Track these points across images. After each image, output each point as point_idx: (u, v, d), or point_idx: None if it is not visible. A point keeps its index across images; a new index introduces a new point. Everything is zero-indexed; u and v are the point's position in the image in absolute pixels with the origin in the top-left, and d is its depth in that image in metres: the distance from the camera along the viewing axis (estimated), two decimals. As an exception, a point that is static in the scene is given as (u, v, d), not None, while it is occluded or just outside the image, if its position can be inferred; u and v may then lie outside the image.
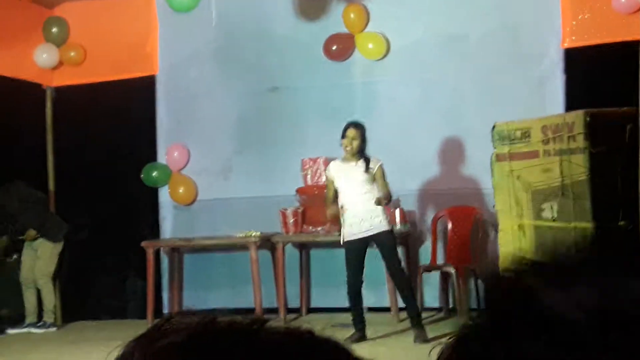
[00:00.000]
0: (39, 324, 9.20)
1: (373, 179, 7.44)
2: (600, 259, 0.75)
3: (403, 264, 8.77)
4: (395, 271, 7.41)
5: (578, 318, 0.69)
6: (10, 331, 9.15)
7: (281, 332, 0.73)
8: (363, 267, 7.41)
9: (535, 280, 0.74)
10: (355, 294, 7.37)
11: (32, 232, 9.13)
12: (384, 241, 7.34)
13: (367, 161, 7.39)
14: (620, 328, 0.68)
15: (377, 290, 8.57)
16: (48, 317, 9.24)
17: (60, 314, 9.52)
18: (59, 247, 9.24)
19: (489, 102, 8.70)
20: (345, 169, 7.45)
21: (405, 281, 7.46)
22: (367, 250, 7.43)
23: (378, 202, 7.31)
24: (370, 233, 7.32)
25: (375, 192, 7.38)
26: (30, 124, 9.66)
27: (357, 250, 7.37)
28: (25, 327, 9.20)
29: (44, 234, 9.14)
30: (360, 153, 7.43)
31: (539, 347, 0.69)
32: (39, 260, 9.18)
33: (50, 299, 9.24)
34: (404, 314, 8.21)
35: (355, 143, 7.38)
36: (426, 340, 7.19)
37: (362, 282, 7.39)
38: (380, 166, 7.45)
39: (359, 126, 7.47)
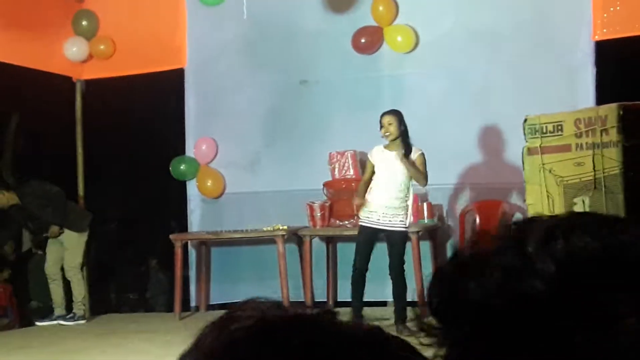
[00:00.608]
0: (68, 316, 9.23)
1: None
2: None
3: (429, 258, 8.77)
4: (396, 273, 7.38)
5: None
6: (40, 323, 9.21)
7: (349, 325, 0.75)
8: (370, 254, 7.40)
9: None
10: (360, 279, 7.35)
11: (55, 229, 9.12)
12: (396, 241, 7.32)
13: (409, 151, 7.32)
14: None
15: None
16: (78, 309, 9.26)
17: (88, 306, 9.56)
18: (84, 236, 9.22)
19: (519, 94, 8.63)
20: (387, 156, 7.38)
21: (402, 288, 7.40)
22: (377, 241, 7.41)
23: (407, 160, 7.23)
24: (386, 228, 7.31)
25: (409, 191, 7.37)
26: (60, 116, 9.73)
27: (368, 236, 7.37)
28: (54, 319, 9.24)
29: (67, 226, 9.15)
30: (403, 140, 7.34)
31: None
32: (66, 251, 9.18)
33: (80, 291, 9.26)
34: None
35: (392, 127, 7.32)
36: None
37: (367, 268, 7.38)
38: (421, 154, 7.38)
39: (392, 112, 7.44)
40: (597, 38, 8.48)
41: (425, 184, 7.51)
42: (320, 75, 9.41)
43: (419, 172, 7.35)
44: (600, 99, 8.05)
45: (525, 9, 8.75)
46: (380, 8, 9.14)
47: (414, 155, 7.34)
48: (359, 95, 9.24)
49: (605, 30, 8.45)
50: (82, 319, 9.23)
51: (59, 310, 9.28)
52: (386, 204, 7.30)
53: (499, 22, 8.85)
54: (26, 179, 9.09)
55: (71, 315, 9.23)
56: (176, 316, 9.02)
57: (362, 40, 9.19)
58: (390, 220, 7.30)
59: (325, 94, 9.39)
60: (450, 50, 9.00)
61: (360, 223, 7.49)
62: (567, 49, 8.63)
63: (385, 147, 7.44)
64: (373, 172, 7.47)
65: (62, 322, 9.17)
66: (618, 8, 8.39)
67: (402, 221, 7.34)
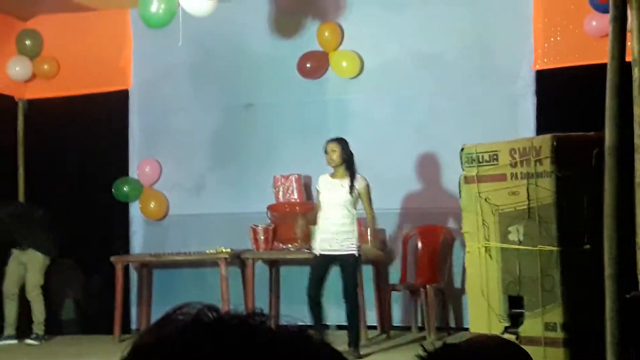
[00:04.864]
0: (33, 336, 9.08)
1: (357, 199, 7.54)
2: None
3: (371, 282, 8.81)
4: (350, 296, 7.47)
5: None
6: None
7: (276, 327, 0.82)
8: (323, 282, 7.52)
9: None
10: (315, 305, 7.42)
11: None
12: (347, 265, 7.45)
13: (353, 181, 7.47)
14: None
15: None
16: (39, 329, 9.13)
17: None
18: (48, 260, 9.14)
19: (462, 121, 8.74)
20: (332, 184, 7.59)
21: (355, 310, 7.53)
22: (331, 267, 7.53)
23: (373, 240, 7.64)
24: (337, 253, 7.42)
25: (354, 216, 7.49)
26: (1, 136, 9.59)
27: (320, 264, 7.51)
28: (5, 338, 9.10)
29: (38, 247, 9.06)
30: (347, 167, 7.52)
31: None
32: (29, 272, 9.08)
33: (42, 311, 9.13)
34: (372, 332, 8.21)
35: (335, 155, 7.51)
36: (359, 357, 7.42)
37: (321, 295, 7.46)
38: (366, 186, 7.56)
39: (336, 140, 7.65)
40: (538, 67, 8.63)
41: (373, 218, 7.74)
42: (265, 99, 9.43)
43: (375, 226, 7.69)
44: (541, 128, 8.18)
45: (469, 37, 8.87)
46: (326, 33, 9.20)
47: (360, 186, 7.51)
48: (304, 120, 9.28)
49: (545, 59, 8.60)
50: (43, 339, 9.10)
51: (10, 329, 9.15)
52: (335, 229, 7.42)
53: (443, 49, 8.96)
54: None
55: (35, 335, 9.09)
56: (116, 339, 8.93)
57: (308, 65, 9.23)
58: (342, 245, 7.41)
59: (271, 118, 9.42)
60: (394, 76, 9.09)
61: (313, 252, 7.57)
62: (510, 77, 8.76)
63: (331, 175, 7.63)
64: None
65: (29, 341, 9.03)
66: (559, 38, 8.54)
67: (353, 244, 7.44)
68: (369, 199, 7.63)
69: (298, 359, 0.78)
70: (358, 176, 7.57)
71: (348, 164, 7.54)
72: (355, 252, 7.48)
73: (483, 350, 1.44)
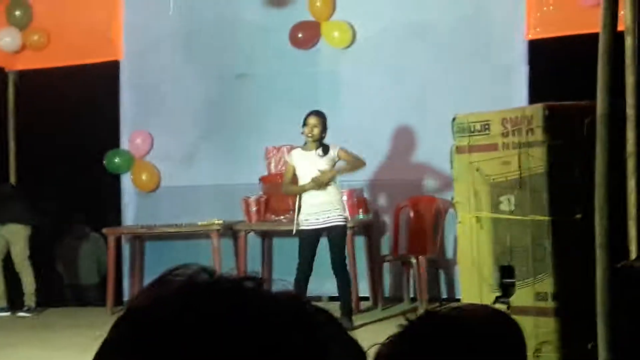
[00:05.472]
0: (24, 309, 9.11)
1: (334, 164, 7.51)
2: None
3: (363, 254, 8.83)
4: (339, 267, 7.45)
5: None
6: None
7: (270, 291, 0.80)
8: (314, 257, 7.46)
9: None
10: (303, 282, 7.39)
11: None
12: (337, 236, 7.43)
13: (326, 150, 7.45)
14: None
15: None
16: (30, 301, 9.15)
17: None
18: (28, 229, 9.12)
19: (455, 91, 8.70)
20: (307, 157, 7.54)
21: (346, 282, 7.51)
22: (320, 240, 7.50)
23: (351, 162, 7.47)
24: (325, 225, 7.38)
25: (337, 186, 7.49)
26: (-9, 107, 9.55)
27: (310, 240, 7.45)
28: None
29: (14, 220, 9.05)
30: (320, 141, 7.48)
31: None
32: (14, 245, 9.08)
33: (32, 282, 9.14)
34: (365, 304, 8.26)
35: (316, 130, 7.47)
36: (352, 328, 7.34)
37: (311, 270, 7.43)
38: (340, 148, 7.54)
39: (320, 114, 7.56)
40: (531, 37, 8.59)
41: (365, 164, 7.71)
42: (256, 69, 9.38)
43: (354, 165, 7.48)
44: (533, 98, 8.15)
45: (461, 6, 8.84)
46: (318, 3, 9.15)
47: (334, 152, 7.50)
48: (295, 90, 9.23)
49: (538, 29, 8.56)
50: (35, 311, 9.10)
51: (1, 302, 9.17)
52: (321, 200, 7.38)
53: (435, 19, 8.91)
54: None
55: (26, 307, 9.12)
56: (108, 310, 8.93)
57: (299, 35, 9.18)
58: (329, 217, 7.39)
59: (262, 89, 9.37)
60: (387, 46, 9.04)
61: (300, 228, 7.52)
62: (502, 47, 8.73)
63: (303, 148, 7.60)
64: (294, 174, 7.55)
65: (20, 313, 9.04)
66: (551, 8, 8.49)
67: (341, 214, 7.42)
68: (349, 152, 7.56)
69: (294, 322, 0.76)
70: (330, 144, 7.54)
71: (321, 139, 7.52)
72: (343, 223, 7.45)
73: (464, 319, 1.42)
